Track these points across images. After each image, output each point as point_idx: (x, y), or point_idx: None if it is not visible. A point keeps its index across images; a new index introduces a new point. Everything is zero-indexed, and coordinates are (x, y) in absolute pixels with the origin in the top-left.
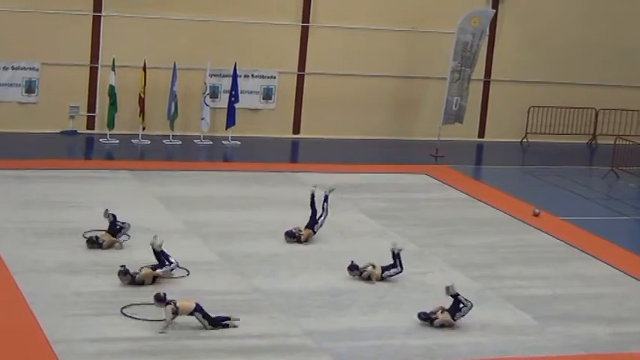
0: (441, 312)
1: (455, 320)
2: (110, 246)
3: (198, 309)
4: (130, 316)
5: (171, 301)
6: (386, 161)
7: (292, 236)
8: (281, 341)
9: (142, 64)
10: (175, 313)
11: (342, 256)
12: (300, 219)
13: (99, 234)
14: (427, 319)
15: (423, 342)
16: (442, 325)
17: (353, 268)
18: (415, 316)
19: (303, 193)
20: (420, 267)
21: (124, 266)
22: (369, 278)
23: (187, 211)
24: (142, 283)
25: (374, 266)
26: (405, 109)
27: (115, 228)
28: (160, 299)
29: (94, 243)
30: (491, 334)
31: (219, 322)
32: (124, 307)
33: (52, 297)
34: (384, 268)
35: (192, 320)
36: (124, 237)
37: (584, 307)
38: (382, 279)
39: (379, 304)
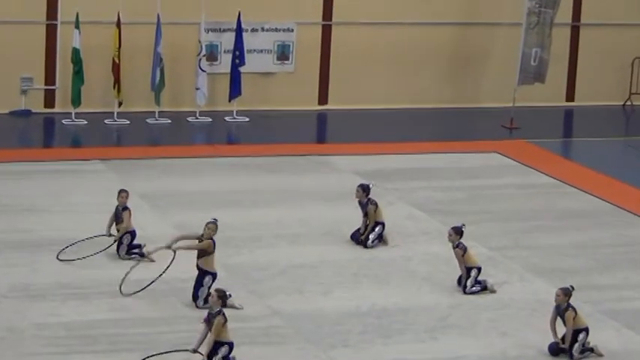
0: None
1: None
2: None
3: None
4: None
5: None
6: (443, 137)
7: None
8: None
9: (116, 19)
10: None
11: (389, 264)
12: (331, 216)
13: None
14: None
15: None
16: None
17: None
18: (490, 340)
19: (335, 182)
20: (493, 276)
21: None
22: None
23: (180, 211)
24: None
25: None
26: (466, 66)
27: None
28: (222, 296)
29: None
30: None
31: None
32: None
33: (3, 331)
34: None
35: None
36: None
37: None
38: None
39: (441, 328)
